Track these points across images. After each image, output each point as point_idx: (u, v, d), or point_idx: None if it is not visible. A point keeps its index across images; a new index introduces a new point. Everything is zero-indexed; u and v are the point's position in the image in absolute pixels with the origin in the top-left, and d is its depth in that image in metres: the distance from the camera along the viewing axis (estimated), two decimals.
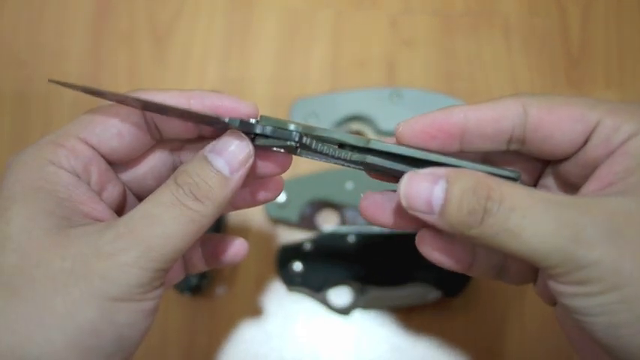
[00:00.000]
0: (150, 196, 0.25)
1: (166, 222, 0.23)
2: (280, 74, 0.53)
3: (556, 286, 0.22)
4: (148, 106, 0.26)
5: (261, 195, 0.30)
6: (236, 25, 0.54)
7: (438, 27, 0.53)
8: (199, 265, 0.32)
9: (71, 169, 0.25)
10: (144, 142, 0.27)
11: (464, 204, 0.22)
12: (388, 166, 0.26)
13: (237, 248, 0.32)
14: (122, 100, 0.26)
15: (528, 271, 0.28)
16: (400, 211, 0.26)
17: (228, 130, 0.26)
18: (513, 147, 0.26)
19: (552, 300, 0.28)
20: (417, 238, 0.27)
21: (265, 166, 0.28)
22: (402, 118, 0.27)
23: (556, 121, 0.24)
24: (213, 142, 0.26)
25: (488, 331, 0.47)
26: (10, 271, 0.22)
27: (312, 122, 0.48)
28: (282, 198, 0.48)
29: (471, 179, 0.22)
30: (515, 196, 0.22)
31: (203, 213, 0.24)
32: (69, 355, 0.22)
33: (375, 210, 0.27)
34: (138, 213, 0.24)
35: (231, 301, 0.48)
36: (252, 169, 0.27)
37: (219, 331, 0.47)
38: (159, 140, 0.28)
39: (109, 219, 0.26)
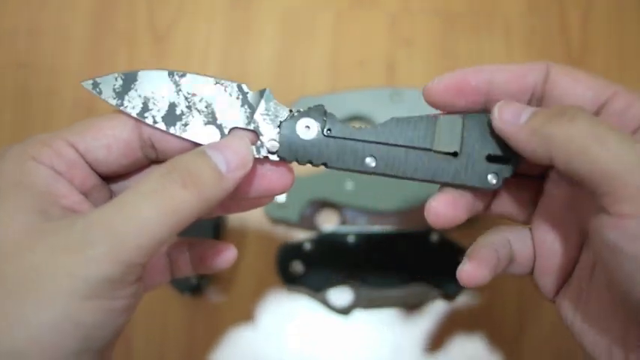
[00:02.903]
0: (133, 185, 0.24)
1: (144, 210, 0.22)
2: (280, 74, 0.53)
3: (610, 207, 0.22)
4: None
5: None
6: (236, 26, 0.54)
7: (438, 27, 0.53)
8: (185, 269, 0.32)
9: (51, 167, 0.24)
10: (135, 160, 0.27)
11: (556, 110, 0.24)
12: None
13: (225, 254, 0.31)
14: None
15: (528, 259, 0.29)
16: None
17: (233, 130, 0.26)
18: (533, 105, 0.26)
19: (551, 292, 0.28)
20: (460, 276, 0.27)
21: (268, 182, 0.27)
22: None
23: (573, 83, 0.26)
24: (215, 141, 0.25)
25: (487, 331, 0.47)
26: None
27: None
28: (282, 198, 0.48)
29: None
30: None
31: (187, 204, 0.23)
32: (30, 351, 0.21)
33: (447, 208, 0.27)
34: (114, 201, 0.23)
35: (231, 301, 0.48)
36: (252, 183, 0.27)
37: (219, 331, 0.47)
38: (154, 160, 0.28)
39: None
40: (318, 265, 0.47)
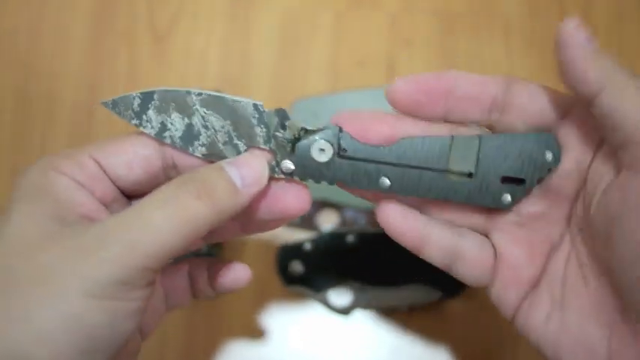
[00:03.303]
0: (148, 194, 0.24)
1: (156, 218, 0.22)
2: (280, 74, 0.53)
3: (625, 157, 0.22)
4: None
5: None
6: (236, 25, 0.54)
7: (438, 27, 0.53)
8: (206, 290, 0.33)
9: (72, 177, 0.25)
10: (155, 178, 0.28)
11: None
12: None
13: (238, 273, 0.32)
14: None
15: (482, 267, 0.28)
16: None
17: (251, 149, 0.27)
18: (494, 117, 0.27)
19: (509, 309, 0.28)
20: (378, 210, 0.28)
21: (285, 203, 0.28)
22: None
23: (530, 99, 0.26)
24: (232, 158, 0.26)
25: (487, 332, 0.47)
26: None
27: (311, 122, 0.48)
28: None
29: None
30: None
31: (200, 215, 0.23)
32: (35, 349, 0.21)
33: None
34: (129, 208, 0.23)
35: (231, 302, 0.48)
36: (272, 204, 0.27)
37: (218, 332, 0.47)
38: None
39: None
40: (318, 265, 0.47)
